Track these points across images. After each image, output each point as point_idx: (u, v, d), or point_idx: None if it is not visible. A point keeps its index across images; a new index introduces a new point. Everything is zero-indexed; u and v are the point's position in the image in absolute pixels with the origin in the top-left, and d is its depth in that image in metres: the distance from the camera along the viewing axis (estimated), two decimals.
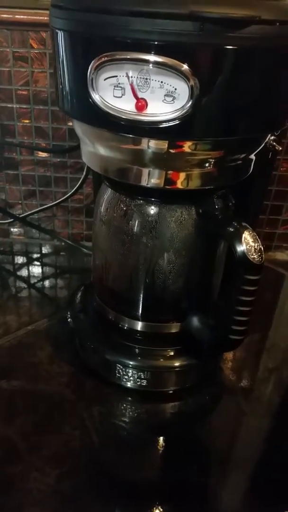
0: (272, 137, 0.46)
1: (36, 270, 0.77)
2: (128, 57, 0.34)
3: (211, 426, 0.52)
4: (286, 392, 0.56)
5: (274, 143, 0.47)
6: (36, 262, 0.79)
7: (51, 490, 0.42)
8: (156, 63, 0.34)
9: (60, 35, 0.37)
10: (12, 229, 0.84)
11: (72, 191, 0.77)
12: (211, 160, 0.41)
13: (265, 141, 0.44)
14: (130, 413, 0.51)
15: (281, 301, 0.76)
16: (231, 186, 0.46)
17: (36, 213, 0.81)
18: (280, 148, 0.47)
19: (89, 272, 0.66)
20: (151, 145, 0.39)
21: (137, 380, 0.51)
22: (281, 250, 0.86)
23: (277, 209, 0.82)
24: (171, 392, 0.53)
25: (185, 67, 0.33)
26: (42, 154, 0.76)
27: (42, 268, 0.78)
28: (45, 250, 0.82)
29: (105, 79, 0.35)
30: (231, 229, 0.42)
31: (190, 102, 0.34)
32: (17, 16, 0.65)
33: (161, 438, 0.50)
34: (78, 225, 0.83)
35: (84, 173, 0.74)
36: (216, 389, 0.56)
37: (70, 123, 0.73)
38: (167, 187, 0.42)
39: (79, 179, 0.76)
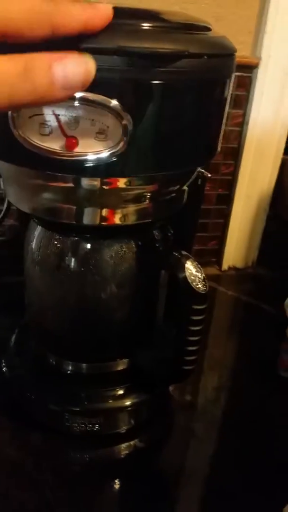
0: None
1: None
2: None
3: (169, 458, 0.50)
4: (238, 412, 0.56)
5: (203, 170, 0.47)
6: None
7: None
8: (83, 100, 0.32)
9: None
10: None
11: None
12: (146, 194, 0.40)
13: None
14: (84, 461, 0.48)
15: (215, 314, 0.77)
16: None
17: None
18: (210, 175, 0.47)
19: (19, 311, 0.61)
20: (83, 182, 0.37)
21: (88, 426, 0.48)
22: (211, 265, 0.88)
23: (203, 226, 0.84)
24: (124, 431, 0.51)
25: (114, 102, 0.32)
26: None
27: None
28: None
29: (29, 117, 0.33)
30: (173, 260, 0.41)
31: (124, 139, 0.33)
32: None
33: (121, 481, 0.47)
34: (4, 259, 0.78)
35: (6, 205, 0.69)
36: (170, 419, 0.55)
37: None
38: (103, 223, 0.40)
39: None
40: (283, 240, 0.84)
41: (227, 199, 0.82)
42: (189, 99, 0.34)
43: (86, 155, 0.33)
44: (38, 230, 0.46)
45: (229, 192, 0.81)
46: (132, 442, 0.50)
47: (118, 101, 0.31)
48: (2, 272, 0.78)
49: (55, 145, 0.33)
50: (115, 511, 0.45)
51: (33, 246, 0.47)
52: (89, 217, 0.40)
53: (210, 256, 0.87)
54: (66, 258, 0.44)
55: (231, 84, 0.37)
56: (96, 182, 0.37)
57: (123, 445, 0.50)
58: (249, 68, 0.72)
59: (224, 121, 0.39)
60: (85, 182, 0.37)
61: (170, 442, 0.53)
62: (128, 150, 0.33)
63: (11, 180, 0.41)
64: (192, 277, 0.40)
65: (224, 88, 0.36)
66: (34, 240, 0.47)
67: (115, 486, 0.47)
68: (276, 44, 0.70)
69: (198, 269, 0.41)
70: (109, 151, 0.33)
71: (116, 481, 0.47)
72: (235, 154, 0.77)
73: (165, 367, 0.46)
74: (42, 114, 0.32)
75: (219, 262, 0.88)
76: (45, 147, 0.33)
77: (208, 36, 0.35)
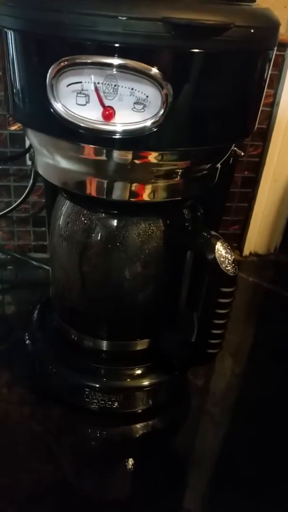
0: None
1: None
2: (90, 61, 0.31)
3: (185, 440, 0.51)
4: (255, 399, 0.56)
5: (235, 148, 0.46)
6: None
7: None
8: (122, 68, 0.31)
9: (11, 35, 0.33)
10: None
11: (18, 202, 0.71)
12: (177, 170, 0.39)
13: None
14: (103, 438, 0.48)
15: (235, 300, 0.76)
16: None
17: None
18: (242, 154, 0.46)
19: (42, 287, 0.61)
20: (114, 156, 0.36)
21: (108, 403, 0.48)
22: (232, 250, 0.86)
23: (227, 209, 0.82)
24: (141, 411, 0.51)
25: (155, 70, 0.30)
26: None
27: None
28: None
29: (67, 86, 0.32)
30: (203, 241, 0.40)
31: (162, 110, 0.31)
32: None
33: (136, 459, 0.47)
34: (25, 236, 0.78)
35: (31, 181, 0.69)
36: (187, 401, 0.54)
37: (12, 128, 0.67)
38: (132, 199, 0.40)
39: (24, 187, 0.71)
40: None
41: (253, 182, 0.80)
42: (231, 70, 0.33)
43: (123, 126, 0.32)
44: (66, 206, 0.46)
45: (255, 174, 0.79)
46: (149, 422, 0.50)
47: (158, 70, 0.30)
48: (25, 247, 0.79)
49: (92, 115, 0.33)
50: (128, 488, 0.45)
51: (61, 222, 0.46)
52: (118, 192, 0.39)
53: (232, 240, 0.86)
54: (93, 234, 0.43)
55: (273, 58, 0.36)
56: (128, 156, 0.36)
57: (140, 424, 0.50)
58: (283, 46, 0.69)
59: (263, 96, 0.38)
60: (117, 155, 0.36)
61: (186, 424, 0.52)
62: (165, 122, 0.32)
63: (43, 152, 0.40)
64: (222, 259, 0.40)
65: (266, 61, 0.35)
66: (62, 216, 0.46)
67: (130, 464, 0.47)
68: None
69: (228, 251, 0.40)
70: (147, 122, 0.32)
71: (132, 459, 0.47)
72: (263, 135, 0.75)
73: (188, 350, 0.46)
74: (81, 82, 0.31)
75: (240, 248, 0.86)
76: (82, 117, 0.33)
77: (253, 8, 0.33)
